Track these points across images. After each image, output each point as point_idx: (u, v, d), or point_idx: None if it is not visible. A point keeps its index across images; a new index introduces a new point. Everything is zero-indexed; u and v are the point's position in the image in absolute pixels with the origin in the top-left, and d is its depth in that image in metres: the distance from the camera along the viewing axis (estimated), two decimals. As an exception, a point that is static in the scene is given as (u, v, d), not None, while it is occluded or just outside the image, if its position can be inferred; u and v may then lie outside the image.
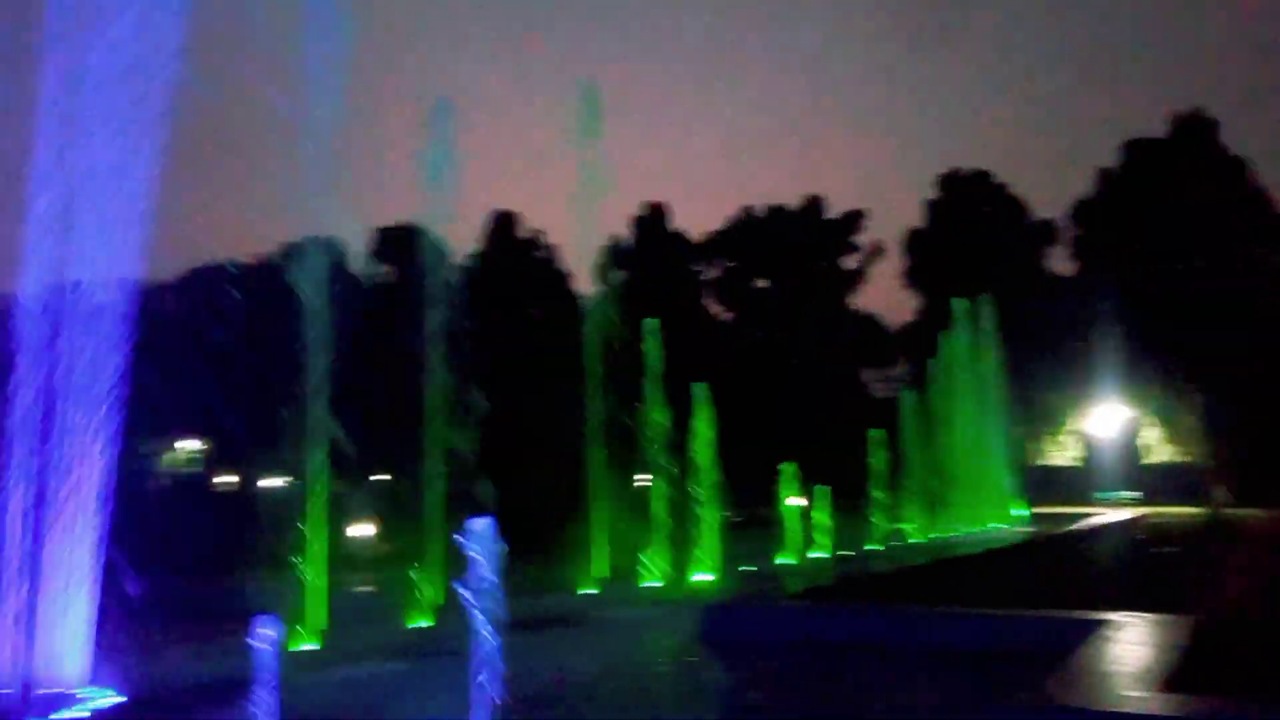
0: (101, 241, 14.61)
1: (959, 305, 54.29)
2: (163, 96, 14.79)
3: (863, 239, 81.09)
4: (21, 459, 13.74)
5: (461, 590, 9.20)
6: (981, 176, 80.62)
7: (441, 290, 25.71)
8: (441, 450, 24.01)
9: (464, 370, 26.08)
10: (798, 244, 76.64)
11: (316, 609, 18.97)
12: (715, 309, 78.38)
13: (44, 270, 14.29)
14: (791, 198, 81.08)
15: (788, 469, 32.37)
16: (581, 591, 24.71)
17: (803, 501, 33.40)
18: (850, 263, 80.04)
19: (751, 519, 39.06)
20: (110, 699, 13.58)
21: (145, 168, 14.79)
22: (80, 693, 13.73)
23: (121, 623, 14.92)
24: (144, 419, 14.87)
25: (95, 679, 14.02)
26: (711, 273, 77.77)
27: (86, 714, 13.15)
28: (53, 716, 12.87)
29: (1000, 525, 48.77)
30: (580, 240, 31.10)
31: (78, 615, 13.97)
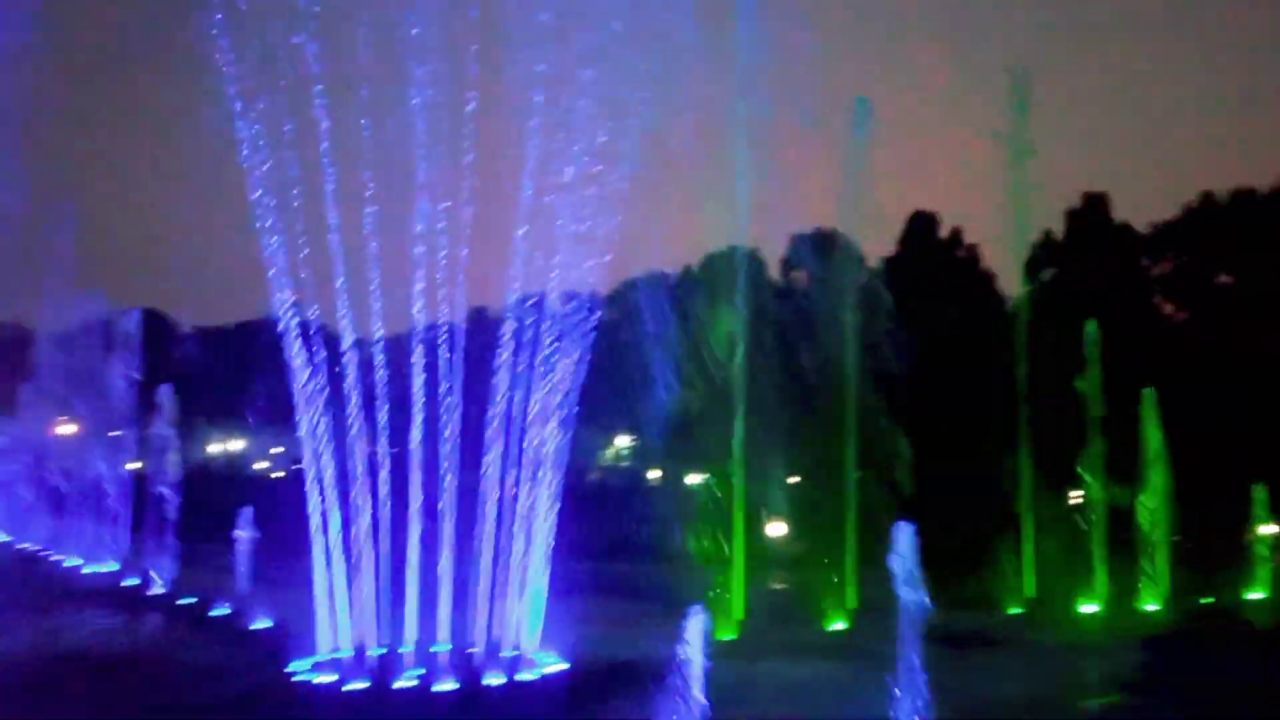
0: (567, 260, 16.37)
1: None
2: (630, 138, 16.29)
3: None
4: (496, 452, 15.73)
5: (901, 591, 8.93)
6: None
7: (857, 295, 25.53)
8: (858, 454, 23.83)
9: (882, 375, 25.68)
10: (1270, 233, 66.33)
11: (735, 602, 19.67)
12: (1166, 308, 70.28)
13: (521, 285, 16.29)
14: (1262, 180, 70.49)
15: (1258, 493, 27.90)
16: (1008, 610, 23.22)
17: (1275, 529, 28.61)
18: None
19: (1206, 545, 34.18)
20: (557, 665, 15.12)
21: (610, 195, 16.35)
22: (534, 657, 15.44)
23: (566, 599, 16.53)
24: (589, 417, 16.41)
25: (545, 646, 15.68)
26: (1160, 269, 69.80)
27: (538, 676, 14.76)
28: (514, 676, 14.62)
29: None
30: (1006, 238, 29.13)
31: (534, 590, 15.72)
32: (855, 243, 27.44)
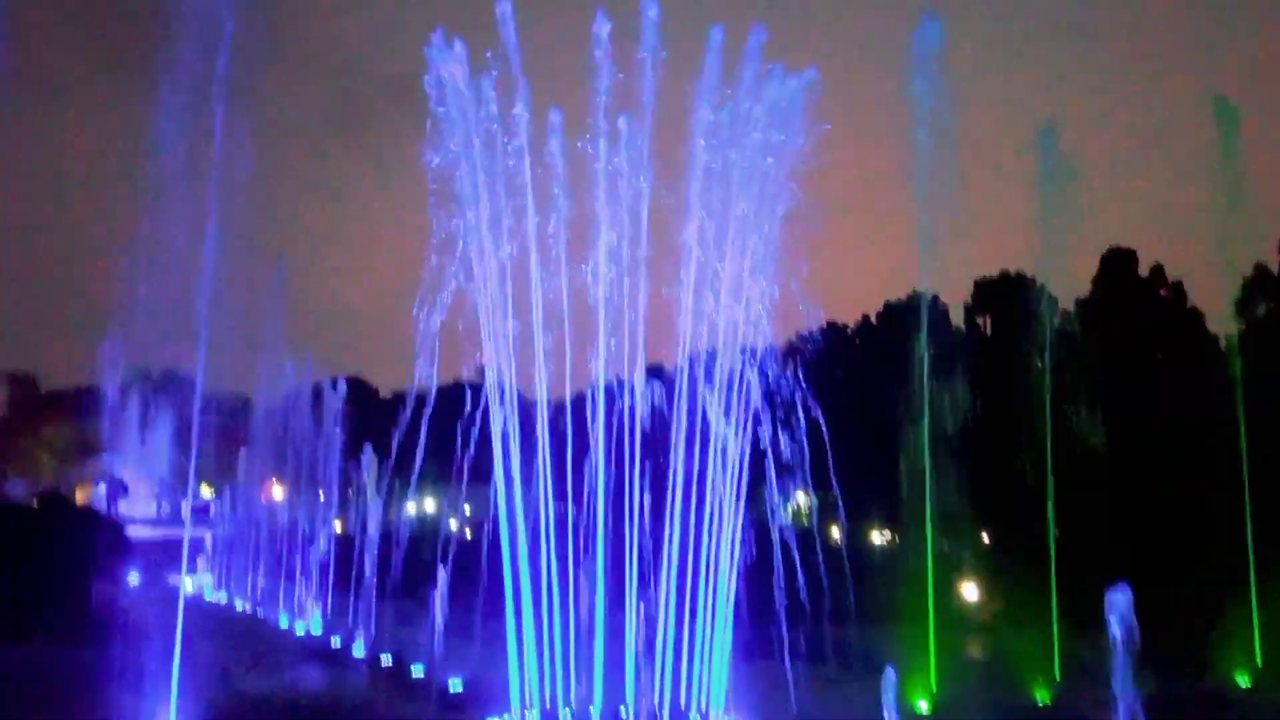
0: (735, 315, 16.36)
1: None
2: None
3: None
4: (678, 510, 15.72)
5: (1119, 659, 8.22)
6: None
7: (1052, 338, 24.11)
8: (1056, 509, 22.36)
9: (1083, 425, 24.18)
10: None
11: (924, 668, 18.63)
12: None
13: (691, 342, 16.43)
14: None
15: None
16: (1237, 680, 21.10)
17: None
18: None
19: None
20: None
21: (771, 246, 16.37)
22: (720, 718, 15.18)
23: (750, 660, 16.18)
24: (769, 474, 16.16)
25: (731, 709, 15.37)
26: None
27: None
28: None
29: None
30: (1212, 274, 26.94)
31: (719, 650, 15.50)
32: (1044, 285, 26.02)
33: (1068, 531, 22.06)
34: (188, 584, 22.92)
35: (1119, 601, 8.13)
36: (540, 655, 15.48)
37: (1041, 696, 18.49)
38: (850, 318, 55.09)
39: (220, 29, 14.41)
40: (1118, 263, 50.21)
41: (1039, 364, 23.57)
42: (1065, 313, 29.24)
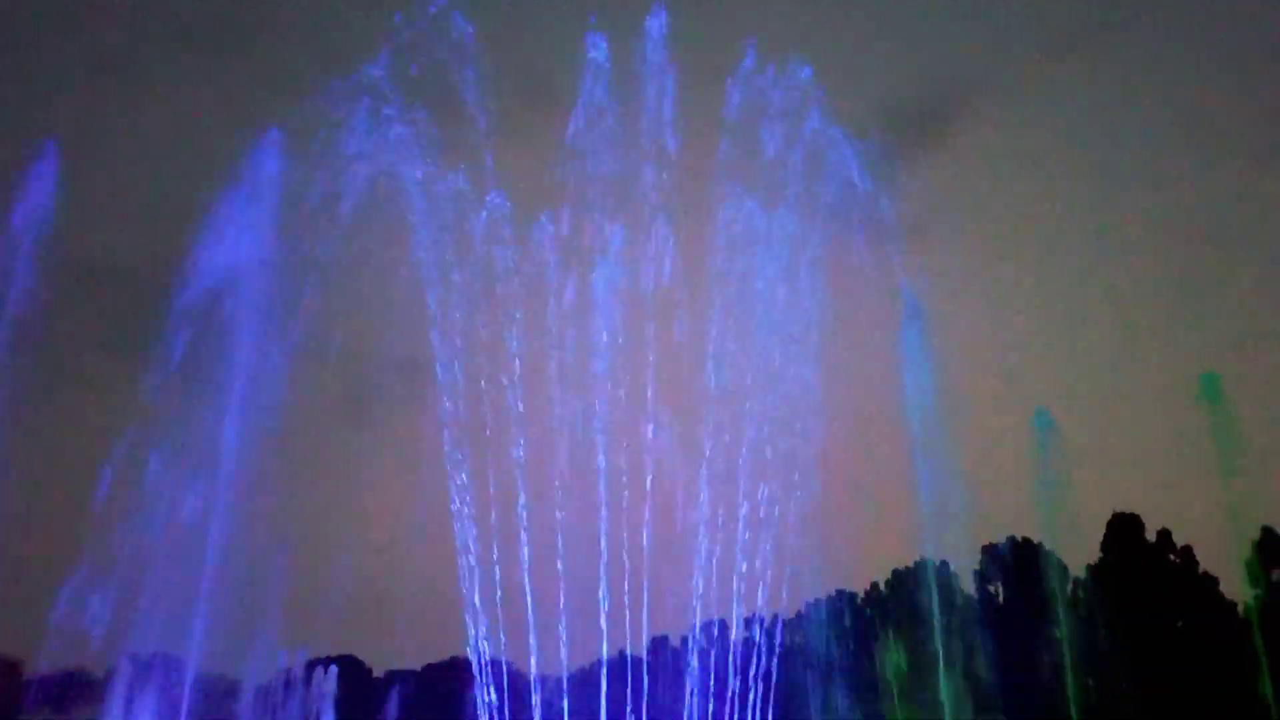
0: (751, 582, 16.21)
1: None
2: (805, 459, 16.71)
3: None
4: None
5: None
6: None
7: (1064, 606, 23.69)
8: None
9: (1108, 691, 23.17)
10: None
11: None
12: None
13: (705, 611, 16.18)
14: None
15: None
16: None
17: None
18: None
19: None
20: None
21: (793, 517, 16.53)
22: None
23: None
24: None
25: None
26: None
27: None
28: None
29: None
30: (1220, 536, 26.74)
31: None
32: (1053, 551, 25.84)
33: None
34: None
35: None
36: None
37: None
38: (860, 586, 54.07)
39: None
40: (1124, 527, 49.85)
41: (1056, 634, 23.03)
42: (1077, 580, 28.80)
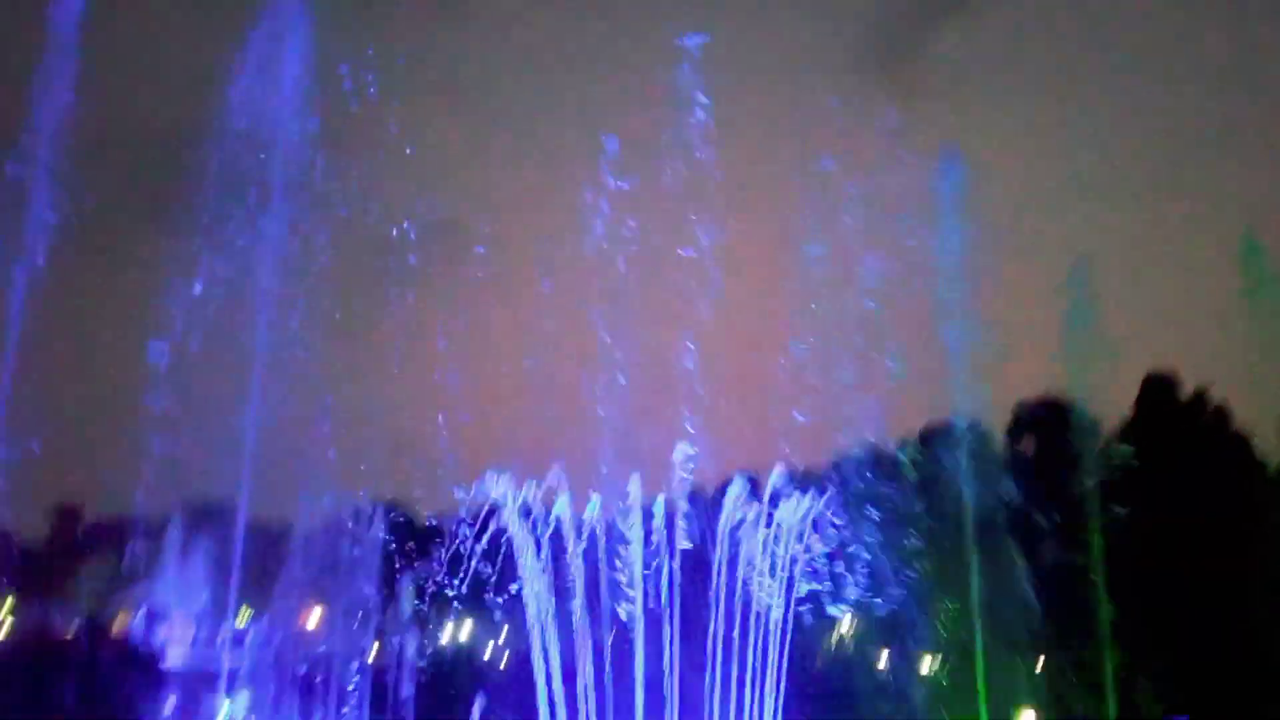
0: (782, 439, 16.48)
1: None
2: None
3: None
4: (720, 633, 15.46)
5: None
6: None
7: (1093, 464, 23.86)
8: (1110, 637, 21.66)
9: (1129, 552, 23.57)
10: None
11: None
12: None
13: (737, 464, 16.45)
14: None
15: None
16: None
17: None
18: None
19: None
20: None
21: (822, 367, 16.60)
22: None
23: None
24: (810, 597, 15.91)
25: None
26: None
27: None
28: None
29: None
30: (1258, 395, 26.68)
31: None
32: (1085, 410, 25.86)
33: (1126, 658, 21.34)
34: (224, 712, 22.69)
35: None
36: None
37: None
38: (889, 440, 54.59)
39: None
40: (1158, 388, 49.55)
41: (1088, 486, 23.27)
42: (1110, 439, 28.90)
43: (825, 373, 16.37)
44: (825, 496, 15.80)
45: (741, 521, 15.84)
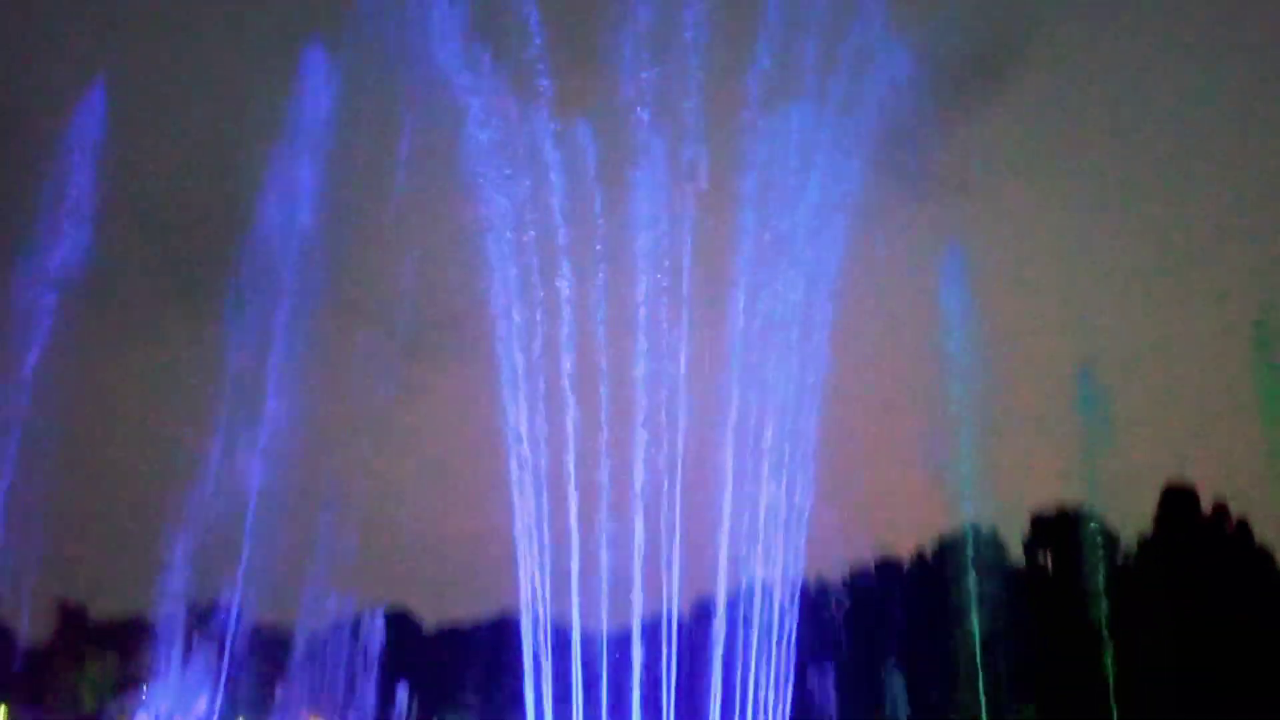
0: (776, 546, 16.19)
1: None
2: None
3: None
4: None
5: None
6: None
7: (1110, 579, 23.28)
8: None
9: (1150, 666, 22.84)
10: None
11: None
12: None
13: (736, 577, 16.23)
14: None
15: None
16: None
17: None
18: None
19: None
20: None
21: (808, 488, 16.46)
22: None
23: None
24: (810, 710, 15.40)
25: None
26: None
27: None
28: None
29: None
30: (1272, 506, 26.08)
31: None
32: (1101, 520, 25.36)
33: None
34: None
35: None
36: None
37: None
38: (904, 549, 53.62)
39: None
40: (1178, 500, 48.50)
41: (1106, 606, 22.68)
42: (1127, 554, 28.25)
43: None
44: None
45: (748, 630, 15.45)
